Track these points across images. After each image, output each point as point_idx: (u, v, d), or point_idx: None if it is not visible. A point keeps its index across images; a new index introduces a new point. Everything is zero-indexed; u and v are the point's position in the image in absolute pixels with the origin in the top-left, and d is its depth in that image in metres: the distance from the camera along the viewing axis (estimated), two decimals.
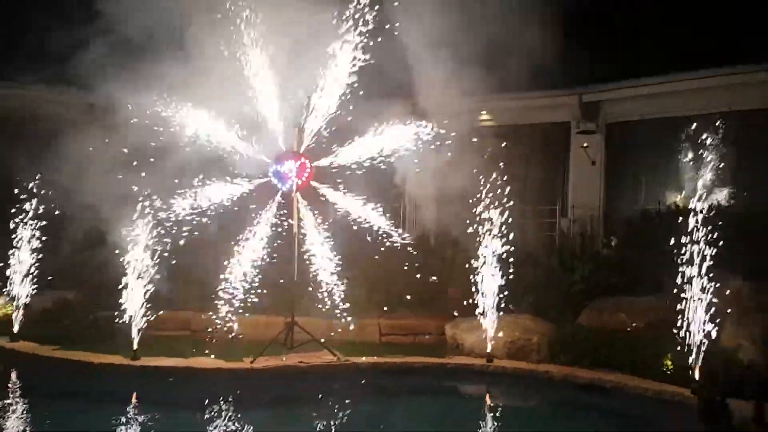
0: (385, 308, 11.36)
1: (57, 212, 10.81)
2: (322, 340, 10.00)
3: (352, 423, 8.05)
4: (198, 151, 9.79)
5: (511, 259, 9.93)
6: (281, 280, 10.23)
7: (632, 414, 8.13)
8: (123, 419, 7.63)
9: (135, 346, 9.42)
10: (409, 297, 11.22)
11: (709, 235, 8.14)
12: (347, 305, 9.86)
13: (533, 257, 12.06)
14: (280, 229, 10.12)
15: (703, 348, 8.04)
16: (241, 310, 9.80)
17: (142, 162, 9.67)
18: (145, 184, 9.55)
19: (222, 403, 8.31)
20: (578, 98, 14.06)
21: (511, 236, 9.89)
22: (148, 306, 9.63)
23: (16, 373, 9.35)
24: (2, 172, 11.33)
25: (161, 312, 10.00)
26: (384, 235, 10.14)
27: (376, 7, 9.40)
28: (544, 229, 14.28)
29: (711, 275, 8.11)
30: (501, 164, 10.05)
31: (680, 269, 8.18)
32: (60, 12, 11.45)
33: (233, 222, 10.22)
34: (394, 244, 10.15)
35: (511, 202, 9.91)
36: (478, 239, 9.94)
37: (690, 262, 8.15)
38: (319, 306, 10.03)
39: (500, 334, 9.86)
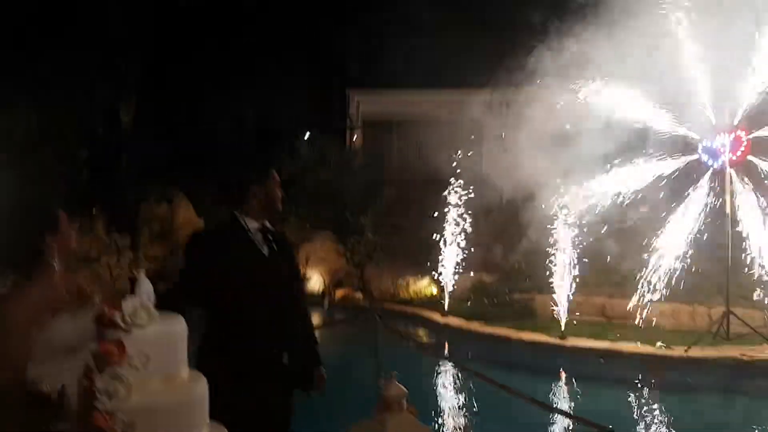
0: None
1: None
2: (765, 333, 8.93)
3: None
4: (620, 131, 9.57)
5: None
6: (702, 269, 9.46)
7: None
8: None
9: (563, 327, 9.57)
10: None
11: None
12: None
13: None
14: (709, 211, 9.36)
15: None
16: (661, 298, 9.32)
17: (562, 146, 9.81)
18: (565, 169, 9.68)
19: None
20: None
21: None
22: (571, 291, 9.75)
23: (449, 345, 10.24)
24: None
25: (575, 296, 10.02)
26: None
27: None
28: None
29: None
30: None
31: None
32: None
33: (657, 204, 9.76)
34: None
35: None
36: None
37: None
38: (758, 296, 9.02)
39: None
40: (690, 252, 9.34)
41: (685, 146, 9.52)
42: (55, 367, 2.76)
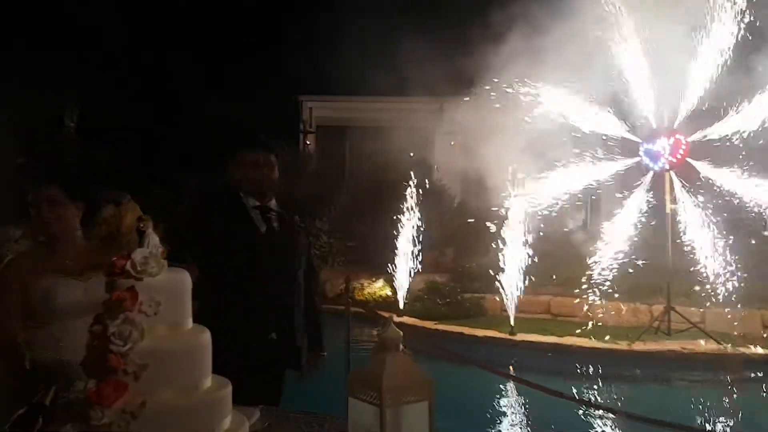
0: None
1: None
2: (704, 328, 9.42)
3: None
4: (565, 135, 9.99)
5: None
6: (641, 264, 9.90)
7: None
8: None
9: (512, 324, 9.89)
10: None
11: None
12: (725, 294, 9.20)
13: None
14: (650, 212, 9.84)
15: None
16: (602, 296, 9.75)
17: (510, 150, 10.16)
18: (513, 172, 10.02)
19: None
20: None
21: None
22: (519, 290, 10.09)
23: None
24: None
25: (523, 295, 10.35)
26: None
27: None
28: None
29: None
30: None
31: None
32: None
33: (601, 205, 10.20)
34: None
35: None
36: None
37: None
38: (696, 293, 9.52)
39: None
40: (632, 252, 9.79)
41: (627, 149, 9.98)
42: (61, 330, 2.84)
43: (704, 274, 9.41)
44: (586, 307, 9.88)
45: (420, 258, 11.83)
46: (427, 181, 12.56)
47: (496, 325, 10.09)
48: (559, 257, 11.06)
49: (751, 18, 8.92)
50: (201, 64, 16.38)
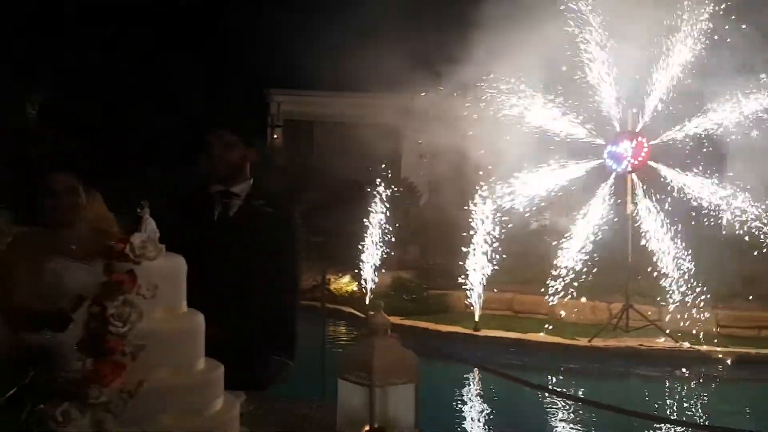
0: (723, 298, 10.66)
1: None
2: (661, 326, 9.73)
3: None
4: (530, 136, 10.20)
5: None
6: (601, 263, 10.16)
7: None
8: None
9: (476, 319, 10.06)
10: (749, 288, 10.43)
11: None
12: (682, 294, 9.53)
13: None
14: (611, 213, 10.11)
15: None
16: (565, 294, 10.01)
17: (477, 150, 10.35)
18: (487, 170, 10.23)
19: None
20: None
21: None
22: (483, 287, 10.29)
23: None
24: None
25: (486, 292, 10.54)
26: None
27: None
28: None
29: None
30: None
31: None
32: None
33: (564, 206, 10.44)
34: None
35: None
36: None
37: None
38: (654, 292, 9.83)
39: None
40: (593, 251, 10.06)
41: (592, 151, 10.24)
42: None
43: (662, 274, 9.72)
44: (548, 304, 10.11)
45: (386, 255, 11.95)
46: (393, 178, 12.69)
47: (460, 321, 10.28)
48: (522, 256, 11.27)
49: (713, 26, 9.25)
50: (168, 57, 16.23)
